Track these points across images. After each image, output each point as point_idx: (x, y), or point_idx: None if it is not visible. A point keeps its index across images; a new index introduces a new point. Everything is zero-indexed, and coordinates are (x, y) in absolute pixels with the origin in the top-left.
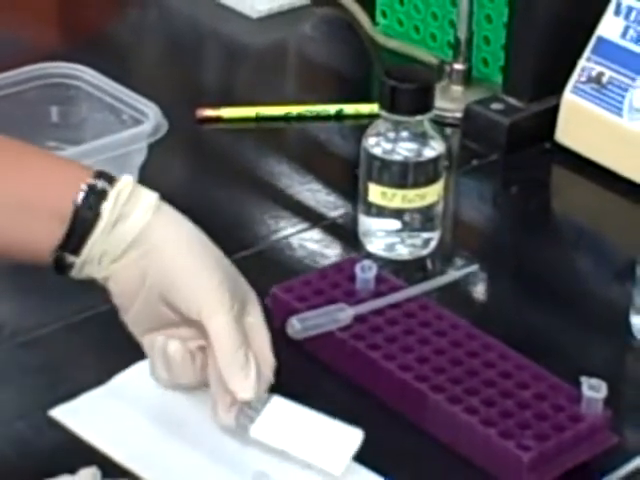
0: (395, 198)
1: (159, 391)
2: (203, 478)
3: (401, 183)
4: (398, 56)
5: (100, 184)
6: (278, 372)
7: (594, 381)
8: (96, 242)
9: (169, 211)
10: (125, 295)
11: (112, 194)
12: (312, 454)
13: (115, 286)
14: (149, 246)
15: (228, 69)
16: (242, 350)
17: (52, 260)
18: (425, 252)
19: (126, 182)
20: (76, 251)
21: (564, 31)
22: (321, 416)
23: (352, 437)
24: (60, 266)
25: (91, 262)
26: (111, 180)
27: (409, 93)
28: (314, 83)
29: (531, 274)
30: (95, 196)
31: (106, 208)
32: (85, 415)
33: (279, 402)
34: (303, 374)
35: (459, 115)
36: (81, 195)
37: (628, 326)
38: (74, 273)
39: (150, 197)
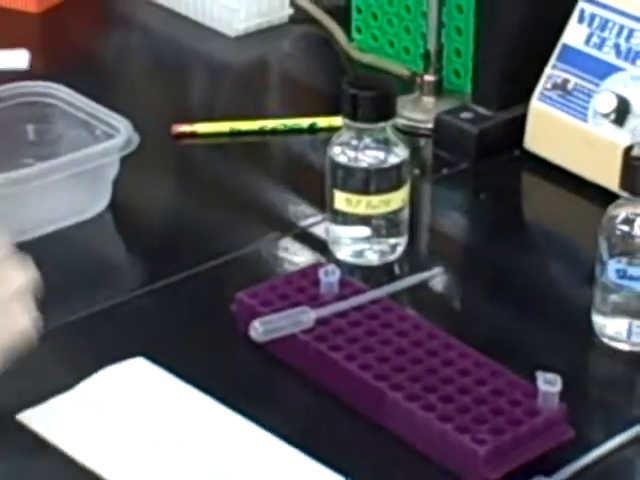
0: (360, 205)
1: (126, 395)
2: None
3: (364, 189)
4: (373, 70)
5: None
6: (240, 374)
7: (549, 375)
8: None
9: None
10: None
11: None
12: None
13: None
14: None
15: (208, 87)
16: None
17: None
18: (393, 257)
19: None
20: None
21: (530, 39)
22: None
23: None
24: None
25: None
26: None
27: (370, 100)
28: (292, 98)
29: (501, 278)
30: None
31: None
32: (53, 419)
33: None
34: (266, 376)
35: (431, 126)
36: None
37: (591, 326)
38: None
39: None
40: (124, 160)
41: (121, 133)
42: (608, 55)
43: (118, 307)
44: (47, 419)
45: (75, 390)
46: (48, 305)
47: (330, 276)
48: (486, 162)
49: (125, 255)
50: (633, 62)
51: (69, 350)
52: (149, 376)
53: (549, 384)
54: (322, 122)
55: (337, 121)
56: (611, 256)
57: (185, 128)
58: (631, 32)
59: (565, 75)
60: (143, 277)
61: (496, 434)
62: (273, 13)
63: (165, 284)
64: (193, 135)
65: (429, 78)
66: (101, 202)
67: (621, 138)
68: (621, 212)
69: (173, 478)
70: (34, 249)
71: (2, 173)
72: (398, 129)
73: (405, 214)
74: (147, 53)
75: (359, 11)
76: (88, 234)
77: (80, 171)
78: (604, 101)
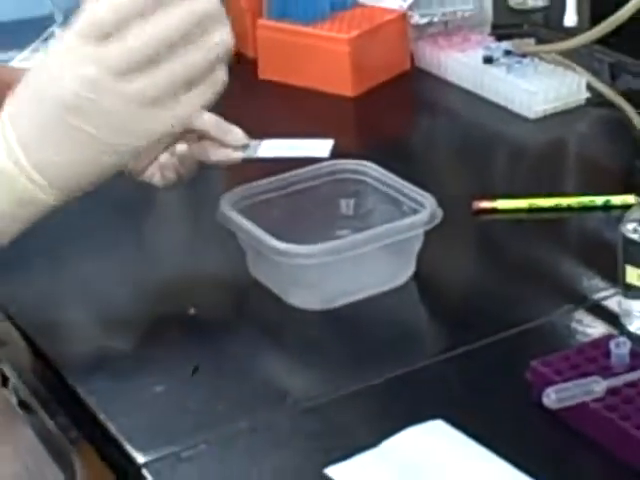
0: None
1: (426, 455)
2: None
3: None
4: None
5: None
6: (533, 438)
7: None
8: None
9: None
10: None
11: None
12: (305, 152)
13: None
14: None
15: (508, 166)
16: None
17: None
18: None
19: None
20: None
21: None
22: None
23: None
24: None
25: None
26: None
27: None
28: (587, 177)
29: None
30: None
31: None
32: (358, 474)
33: (269, 141)
34: (558, 443)
35: None
36: None
37: None
38: None
39: None
40: (428, 233)
41: (426, 208)
42: None
43: (419, 372)
44: (352, 474)
45: (379, 448)
46: (354, 367)
47: (621, 348)
48: None
49: (427, 323)
50: None
51: (372, 410)
52: (448, 438)
53: None
54: (616, 200)
55: (631, 199)
56: None
57: (486, 204)
58: None
59: None
60: (443, 344)
61: None
62: (570, 96)
63: (463, 351)
64: (493, 211)
65: None
66: (407, 272)
67: None
68: None
69: None
70: (344, 315)
71: (319, 243)
72: None
73: None
74: (452, 135)
75: None
76: (394, 302)
77: (389, 243)
78: None
